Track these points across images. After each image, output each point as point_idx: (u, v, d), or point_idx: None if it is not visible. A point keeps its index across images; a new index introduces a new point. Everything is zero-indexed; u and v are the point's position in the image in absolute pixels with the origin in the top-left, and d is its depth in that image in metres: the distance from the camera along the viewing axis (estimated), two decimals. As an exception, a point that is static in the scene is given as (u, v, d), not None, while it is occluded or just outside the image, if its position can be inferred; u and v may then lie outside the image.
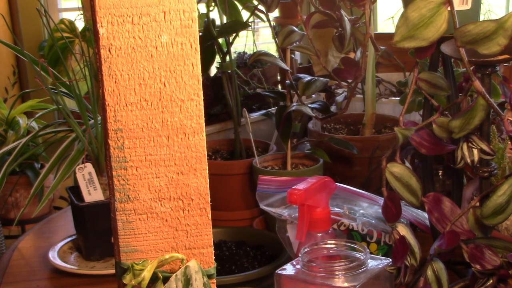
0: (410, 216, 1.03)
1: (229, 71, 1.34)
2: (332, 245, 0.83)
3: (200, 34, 1.30)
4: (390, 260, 0.81)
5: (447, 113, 1.00)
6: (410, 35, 0.77)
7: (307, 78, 1.21)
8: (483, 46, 0.73)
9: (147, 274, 0.62)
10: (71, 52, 1.60)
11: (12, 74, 2.82)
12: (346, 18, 1.12)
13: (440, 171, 1.17)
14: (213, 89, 1.53)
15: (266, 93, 1.38)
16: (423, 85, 0.84)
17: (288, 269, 0.81)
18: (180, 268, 0.62)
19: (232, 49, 1.41)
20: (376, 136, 1.35)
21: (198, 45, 0.61)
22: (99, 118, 1.27)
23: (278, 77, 1.88)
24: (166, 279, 0.62)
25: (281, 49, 1.23)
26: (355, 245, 0.81)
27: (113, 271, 1.06)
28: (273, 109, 1.50)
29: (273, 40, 1.26)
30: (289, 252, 1.01)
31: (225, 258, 1.08)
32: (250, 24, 1.36)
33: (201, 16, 1.31)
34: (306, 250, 0.81)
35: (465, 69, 0.94)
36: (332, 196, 0.95)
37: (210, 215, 0.64)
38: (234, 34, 1.36)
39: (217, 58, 1.37)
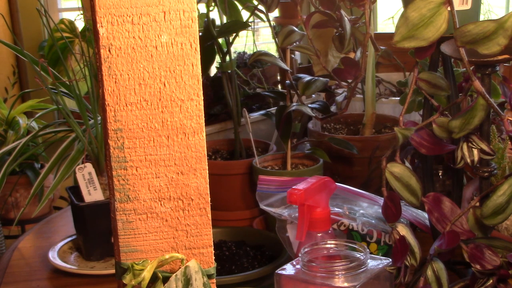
0: (410, 216, 1.03)
1: (229, 71, 1.34)
2: (332, 245, 0.83)
3: (200, 34, 1.30)
4: (390, 260, 0.81)
5: (447, 113, 0.99)
6: (410, 35, 0.77)
7: (307, 78, 1.21)
8: (483, 46, 0.73)
9: (147, 274, 0.62)
10: (71, 52, 1.60)
11: (12, 74, 2.82)
12: (346, 18, 1.11)
13: (440, 171, 1.17)
14: (213, 89, 1.54)
15: (266, 93, 1.38)
16: (423, 85, 0.84)
17: (288, 269, 0.81)
18: (180, 268, 0.62)
19: (232, 49, 1.41)
20: (376, 136, 1.35)
21: (198, 45, 0.61)
22: (99, 118, 1.27)
23: (278, 77, 1.88)
24: (166, 279, 0.62)
25: (281, 49, 1.23)
26: (355, 245, 0.81)
27: (113, 271, 1.07)
28: (273, 109, 1.50)
29: (273, 40, 1.26)
30: (289, 252, 1.01)
31: (225, 258, 1.08)
32: (250, 24, 1.36)
33: (201, 16, 1.31)
34: (306, 250, 0.81)
35: (465, 69, 0.94)
36: (332, 196, 0.95)
37: (210, 215, 0.64)
38: (234, 34, 1.36)
39: (217, 58, 1.37)
